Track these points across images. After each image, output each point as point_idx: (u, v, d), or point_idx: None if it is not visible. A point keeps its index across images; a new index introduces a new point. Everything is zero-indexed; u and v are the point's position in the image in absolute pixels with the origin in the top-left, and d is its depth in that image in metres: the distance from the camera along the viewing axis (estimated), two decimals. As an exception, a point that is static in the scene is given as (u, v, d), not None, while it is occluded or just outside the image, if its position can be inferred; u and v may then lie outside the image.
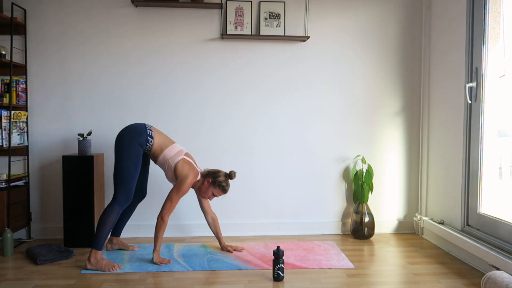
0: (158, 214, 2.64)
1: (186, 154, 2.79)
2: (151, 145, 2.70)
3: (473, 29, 2.83)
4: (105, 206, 3.34)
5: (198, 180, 2.81)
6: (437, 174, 3.27)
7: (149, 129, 2.72)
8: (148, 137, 2.69)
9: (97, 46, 3.32)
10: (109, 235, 3.02)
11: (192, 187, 2.84)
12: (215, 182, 2.78)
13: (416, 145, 3.55)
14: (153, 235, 3.36)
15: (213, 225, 3.00)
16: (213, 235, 3.41)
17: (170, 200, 2.67)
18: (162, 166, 2.77)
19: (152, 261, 2.73)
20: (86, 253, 2.94)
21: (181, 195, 2.69)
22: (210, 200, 2.90)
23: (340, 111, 3.49)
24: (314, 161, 3.49)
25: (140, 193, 2.96)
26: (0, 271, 2.61)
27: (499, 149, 2.74)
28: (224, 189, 2.81)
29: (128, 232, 3.33)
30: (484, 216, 2.71)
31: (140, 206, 3.34)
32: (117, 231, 3.00)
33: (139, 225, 3.36)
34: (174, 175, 2.72)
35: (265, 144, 3.45)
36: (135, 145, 2.64)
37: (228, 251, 2.97)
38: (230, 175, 2.81)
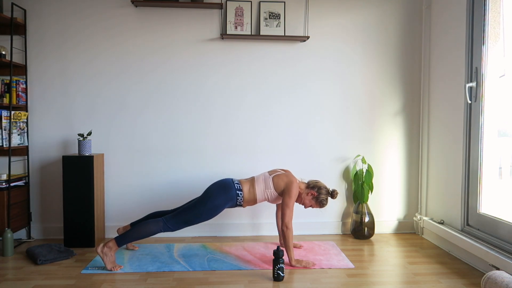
0: (282, 225, 2.70)
1: (270, 172, 2.90)
2: (242, 197, 2.79)
3: (473, 29, 2.83)
4: (106, 206, 3.35)
5: (300, 187, 2.85)
6: (437, 174, 3.27)
7: (236, 183, 2.80)
8: (237, 191, 2.78)
9: (97, 46, 3.32)
10: (121, 228, 3.01)
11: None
12: (317, 198, 2.84)
13: (416, 145, 3.55)
14: (154, 235, 3.36)
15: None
16: (213, 235, 3.42)
17: (287, 207, 2.72)
18: (267, 200, 2.86)
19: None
20: (86, 253, 2.94)
21: (294, 198, 2.75)
22: (305, 207, 2.93)
23: (340, 111, 3.49)
24: (314, 161, 3.49)
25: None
26: (0, 271, 2.61)
27: (499, 149, 2.74)
28: (322, 206, 2.87)
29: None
30: (484, 216, 2.71)
31: (144, 208, 3.34)
32: (133, 224, 2.99)
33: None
34: (278, 191, 2.80)
35: (265, 144, 3.45)
36: (223, 199, 2.73)
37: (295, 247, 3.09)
38: (332, 195, 2.86)
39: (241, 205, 2.84)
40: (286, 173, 2.87)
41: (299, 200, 2.88)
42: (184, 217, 2.70)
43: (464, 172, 2.89)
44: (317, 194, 2.83)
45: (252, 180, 2.87)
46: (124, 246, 3.00)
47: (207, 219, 2.73)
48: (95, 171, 3.09)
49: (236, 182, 2.82)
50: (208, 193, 2.76)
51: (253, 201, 2.85)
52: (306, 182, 2.91)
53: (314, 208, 3.20)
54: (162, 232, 2.69)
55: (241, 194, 2.78)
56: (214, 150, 3.42)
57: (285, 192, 2.76)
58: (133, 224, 2.99)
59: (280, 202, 2.88)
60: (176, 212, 2.72)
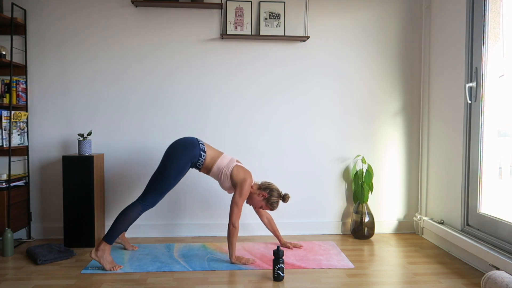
0: (229, 223, 2.69)
1: (237, 161, 2.87)
2: (204, 159, 2.76)
3: (472, 29, 2.83)
4: (106, 206, 3.35)
5: (252, 187, 2.85)
6: (437, 174, 3.27)
7: (201, 143, 2.78)
8: (201, 152, 2.75)
9: (98, 46, 3.32)
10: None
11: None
12: (268, 200, 2.84)
13: (416, 145, 3.55)
14: (153, 235, 3.37)
15: (270, 225, 3.07)
16: (213, 235, 3.42)
17: (236, 206, 2.71)
18: (217, 176, 2.82)
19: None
20: (86, 253, 2.94)
21: (244, 198, 2.74)
22: (255, 209, 2.95)
23: (340, 111, 3.49)
24: (314, 161, 3.49)
25: None
26: (0, 271, 2.61)
27: (499, 149, 2.74)
28: (273, 209, 2.88)
29: (128, 232, 3.33)
30: (484, 216, 2.71)
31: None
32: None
33: (139, 225, 3.36)
34: (231, 181, 2.78)
35: (265, 144, 3.45)
36: (186, 158, 2.68)
37: (288, 247, 3.04)
38: (284, 199, 2.85)
39: (199, 168, 2.78)
40: (247, 171, 2.83)
41: (250, 201, 2.88)
42: (156, 188, 2.65)
43: (464, 172, 2.89)
44: (268, 196, 2.82)
45: (219, 152, 2.84)
46: (124, 243, 3.01)
47: (177, 181, 2.69)
48: (95, 171, 3.09)
49: (201, 142, 2.78)
50: (170, 154, 2.69)
51: (208, 170, 2.80)
52: (259, 183, 2.90)
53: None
54: (143, 212, 2.66)
55: (203, 155, 2.74)
56: (214, 150, 3.42)
57: (237, 188, 2.73)
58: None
59: (228, 191, 2.85)
60: (146, 187, 2.69)
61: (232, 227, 2.68)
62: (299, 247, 3.09)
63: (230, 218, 2.69)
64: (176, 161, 2.66)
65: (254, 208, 2.96)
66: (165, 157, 2.71)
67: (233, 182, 2.77)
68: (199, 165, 2.77)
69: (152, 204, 2.68)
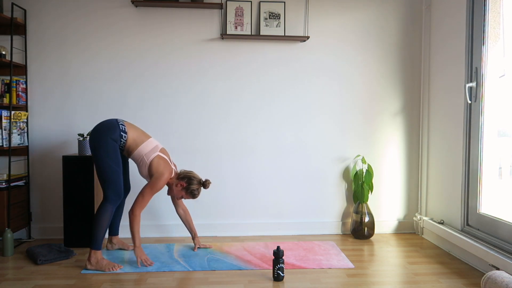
0: (129, 210, 2.62)
1: (162, 150, 2.76)
2: (125, 140, 2.66)
3: (473, 29, 2.83)
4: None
5: (171, 178, 2.79)
6: (437, 174, 3.27)
7: (121, 124, 2.67)
8: (122, 133, 2.64)
9: (97, 46, 3.32)
10: (107, 235, 3.02)
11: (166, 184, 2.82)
12: (187, 189, 2.78)
13: (416, 145, 3.55)
14: (154, 235, 3.37)
15: (185, 218, 3.00)
16: (213, 235, 3.42)
17: (142, 196, 2.64)
18: (136, 161, 2.73)
19: (136, 262, 2.70)
20: (86, 253, 2.94)
21: (155, 192, 2.67)
22: (177, 199, 2.88)
23: (340, 112, 3.49)
24: (314, 161, 3.49)
25: (124, 187, 2.94)
26: (0, 271, 2.61)
27: (499, 149, 2.74)
28: (194, 197, 2.82)
29: (127, 232, 3.33)
30: (484, 216, 2.71)
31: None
32: (114, 230, 3.00)
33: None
34: (149, 171, 2.70)
35: (265, 144, 3.45)
36: (110, 141, 2.60)
37: (198, 246, 3.00)
38: (204, 185, 2.81)
39: (121, 150, 2.69)
40: (168, 164, 2.73)
41: (170, 192, 2.83)
42: (105, 180, 2.58)
43: (464, 172, 2.89)
44: (186, 185, 2.76)
45: (144, 136, 2.74)
46: (122, 246, 3.01)
47: (118, 161, 2.60)
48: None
49: (121, 123, 2.67)
50: (91, 143, 2.61)
51: (129, 154, 2.71)
52: (178, 172, 2.82)
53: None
54: (114, 207, 2.61)
55: (125, 137, 2.65)
56: (214, 149, 3.42)
57: (151, 180, 2.66)
58: (111, 234, 3.01)
59: (145, 178, 2.76)
60: (100, 185, 2.64)
61: (132, 215, 2.61)
62: (208, 246, 3.04)
63: (133, 206, 2.62)
64: (104, 149, 2.57)
65: (173, 198, 2.90)
66: (92, 149, 2.62)
67: (150, 173, 2.69)
68: (120, 147, 2.66)
69: (118, 196, 2.63)
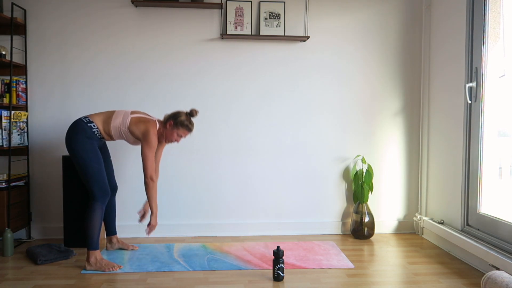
0: (144, 178, 2.63)
1: (133, 112, 2.74)
2: (97, 128, 2.66)
3: (473, 29, 2.83)
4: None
5: (159, 128, 2.75)
6: (437, 174, 3.27)
7: (85, 118, 2.67)
8: (89, 124, 2.64)
9: (97, 46, 3.32)
10: (105, 235, 3.03)
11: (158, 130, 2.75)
12: (177, 123, 2.72)
13: (416, 145, 3.55)
14: (153, 235, 3.36)
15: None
16: (213, 235, 3.42)
17: (145, 159, 2.62)
18: (120, 137, 2.72)
19: (149, 226, 2.69)
20: (86, 253, 2.93)
21: (153, 148, 2.64)
22: (177, 142, 2.79)
23: (340, 111, 3.49)
24: (314, 161, 3.49)
25: (110, 186, 2.93)
26: (0, 271, 2.61)
27: (499, 149, 2.74)
28: (188, 128, 2.74)
29: (128, 232, 3.33)
30: (484, 216, 2.71)
31: (140, 207, 3.33)
32: (110, 230, 3.00)
33: (139, 225, 3.36)
34: (135, 137, 2.69)
35: (265, 144, 3.45)
36: (85, 139, 2.60)
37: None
38: (191, 113, 2.76)
39: (102, 140, 2.70)
40: (147, 119, 2.71)
41: (167, 139, 2.76)
42: (89, 180, 2.59)
43: (464, 172, 2.89)
44: (174, 120, 2.71)
45: (109, 113, 2.72)
46: (122, 246, 3.01)
47: (97, 159, 2.60)
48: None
49: (84, 117, 2.67)
50: (67, 147, 2.62)
51: (110, 137, 2.71)
52: (162, 119, 2.79)
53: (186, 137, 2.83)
54: (103, 206, 2.63)
55: (94, 126, 2.64)
56: (214, 149, 3.42)
57: (143, 141, 2.64)
58: (109, 234, 3.01)
59: (134, 144, 2.75)
60: (86, 186, 2.65)
61: (149, 180, 2.62)
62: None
63: (145, 172, 2.61)
64: (82, 149, 2.58)
65: (168, 142, 2.80)
66: (70, 154, 2.63)
67: (138, 137, 2.67)
68: (99, 136, 2.66)
69: (104, 194, 2.63)
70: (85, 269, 2.60)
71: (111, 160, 2.95)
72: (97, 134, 2.66)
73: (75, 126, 2.65)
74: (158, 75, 3.36)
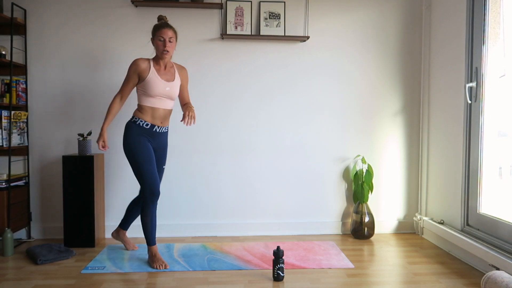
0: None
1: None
2: (140, 119, 2.70)
3: (473, 29, 2.83)
4: (106, 206, 3.35)
5: (144, 60, 2.70)
6: (437, 174, 3.27)
7: (132, 119, 2.72)
8: (139, 122, 2.69)
9: (97, 46, 3.32)
10: (119, 226, 3.05)
11: (156, 65, 2.71)
12: (154, 30, 2.68)
13: (416, 145, 3.55)
14: (159, 235, 3.36)
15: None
16: (213, 235, 3.42)
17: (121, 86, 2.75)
18: (144, 94, 2.71)
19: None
20: (86, 253, 2.94)
21: (128, 78, 2.69)
22: (169, 51, 2.65)
23: (340, 111, 3.49)
24: (314, 161, 3.49)
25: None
26: (0, 271, 2.61)
27: (499, 149, 2.74)
28: (158, 25, 2.67)
29: (128, 232, 3.33)
30: (484, 216, 2.71)
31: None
32: (125, 225, 3.02)
33: (139, 225, 3.35)
34: (138, 88, 2.73)
35: (265, 144, 3.45)
36: (136, 137, 2.67)
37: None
38: (160, 18, 2.74)
39: (153, 126, 2.71)
40: (132, 63, 2.72)
41: (159, 52, 2.66)
42: (141, 175, 2.65)
43: (464, 172, 2.89)
44: (152, 35, 2.68)
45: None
46: (124, 243, 3.02)
47: (149, 155, 2.67)
48: (95, 171, 3.08)
49: (132, 119, 2.73)
50: (124, 148, 2.70)
51: (146, 111, 2.70)
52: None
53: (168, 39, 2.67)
54: (153, 204, 2.68)
55: (142, 120, 2.70)
56: (214, 149, 3.42)
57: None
58: (121, 226, 3.02)
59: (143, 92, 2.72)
60: (138, 182, 2.70)
61: (116, 95, 2.72)
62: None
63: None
64: (134, 147, 2.65)
65: (161, 56, 2.70)
66: (126, 155, 2.71)
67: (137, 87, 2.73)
68: (146, 125, 2.70)
69: (153, 193, 2.66)
70: (151, 265, 2.68)
71: (162, 166, 2.90)
72: (145, 124, 2.70)
73: (125, 129, 2.73)
74: (158, 75, 3.36)
